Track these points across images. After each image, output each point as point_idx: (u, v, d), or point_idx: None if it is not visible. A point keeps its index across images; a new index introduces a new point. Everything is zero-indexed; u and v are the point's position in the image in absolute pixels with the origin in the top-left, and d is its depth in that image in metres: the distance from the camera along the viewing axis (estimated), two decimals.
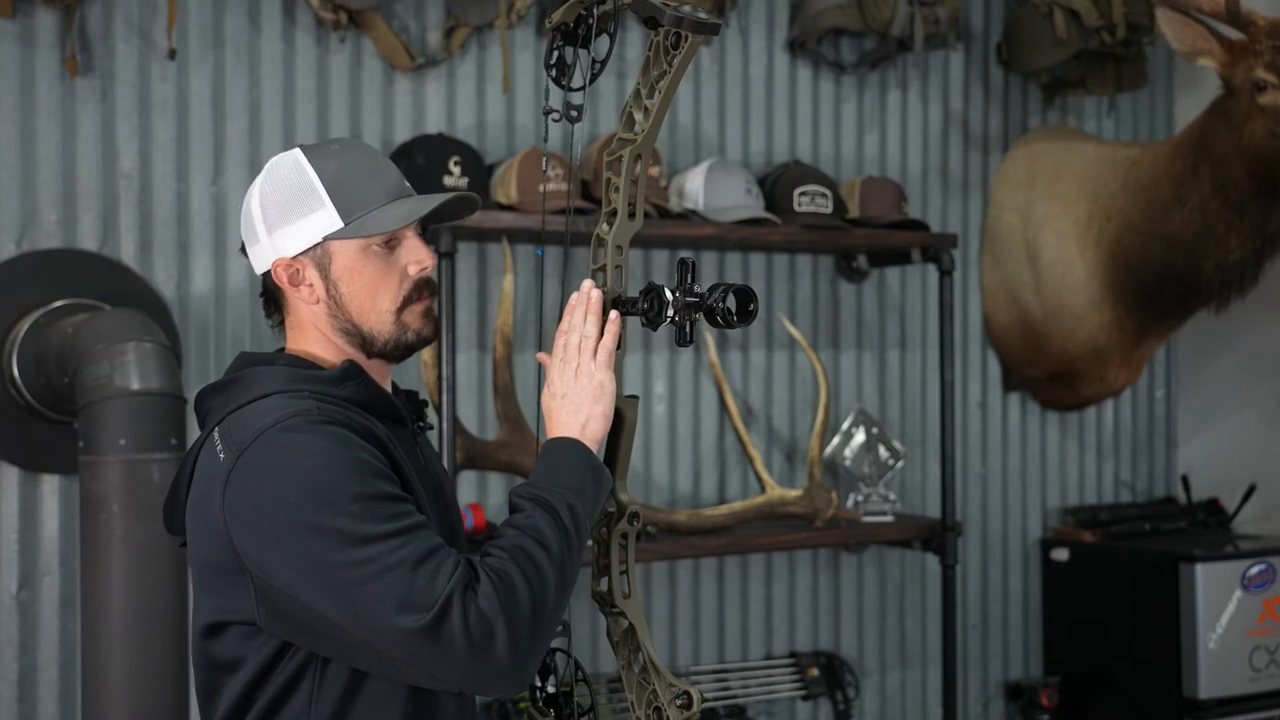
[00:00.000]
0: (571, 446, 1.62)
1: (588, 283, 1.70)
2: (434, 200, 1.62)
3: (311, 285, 1.61)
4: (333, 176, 1.59)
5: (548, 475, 1.59)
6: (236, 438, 1.49)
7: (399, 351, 1.64)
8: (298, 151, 1.62)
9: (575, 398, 1.65)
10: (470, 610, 1.40)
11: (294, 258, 1.61)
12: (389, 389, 1.69)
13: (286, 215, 1.60)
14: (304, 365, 1.61)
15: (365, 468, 1.46)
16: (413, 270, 1.62)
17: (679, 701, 1.61)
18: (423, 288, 1.63)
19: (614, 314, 1.68)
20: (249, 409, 1.53)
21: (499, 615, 1.42)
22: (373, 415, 1.58)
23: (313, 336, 1.65)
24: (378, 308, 1.61)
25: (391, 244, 1.61)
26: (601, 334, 1.67)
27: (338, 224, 1.58)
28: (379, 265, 1.60)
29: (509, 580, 1.45)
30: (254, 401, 1.53)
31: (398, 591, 1.40)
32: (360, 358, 1.63)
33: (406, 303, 1.62)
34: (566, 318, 1.69)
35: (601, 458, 1.68)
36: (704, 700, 1.63)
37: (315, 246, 1.60)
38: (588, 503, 1.59)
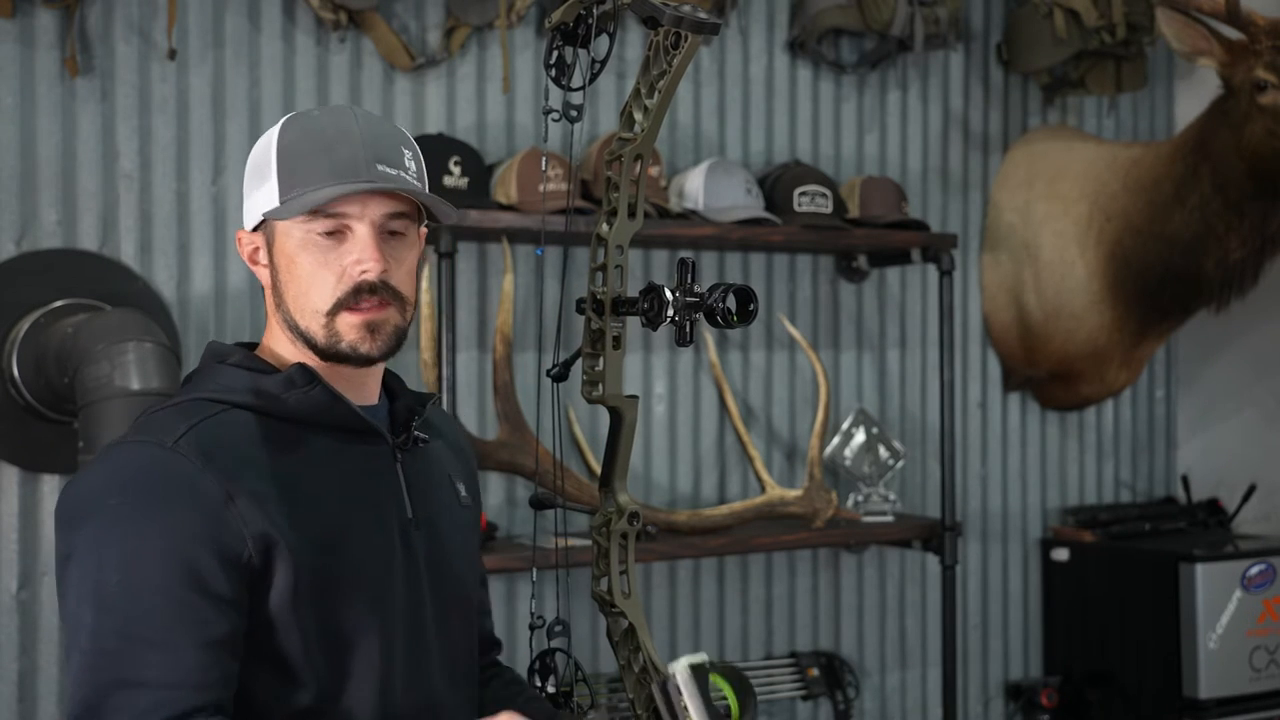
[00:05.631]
0: None
1: None
2: (364, 186, 1.38)
3: (265, 266, 1.46)
4: (287, 146, 1.41)
5: None
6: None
7: (338, 360, 1.43)
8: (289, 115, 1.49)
9: None
10: None
11: (251, 232, 1.47)
12: (374, 393, 1.52)
13: (249, 185, 1.45)
14: (256, 366, 1.45)
15: (161, 575, 1.30)
16: (353, 270, 1.40)
17: None
18: (363, 293, 1.40)
19: None
20: (151, 416, 1.41)
21: None
22: (324, 430, 1.43)
23: (275, 328, 1.47)
24: (310, 305, 1.41)
25: (339, 235, 1.41)
26: None
27: (275, 201, 1.40)
28: (317, 257, 1.40)
29: None
30: (167, 408, 1.41)
31: (82, 694, 1.27)
32: (312, 358, 1.45)
33: (341, 307, 1.40)
34: None
35: None
36: None
37: (262, 224, 1.44)
38: None
